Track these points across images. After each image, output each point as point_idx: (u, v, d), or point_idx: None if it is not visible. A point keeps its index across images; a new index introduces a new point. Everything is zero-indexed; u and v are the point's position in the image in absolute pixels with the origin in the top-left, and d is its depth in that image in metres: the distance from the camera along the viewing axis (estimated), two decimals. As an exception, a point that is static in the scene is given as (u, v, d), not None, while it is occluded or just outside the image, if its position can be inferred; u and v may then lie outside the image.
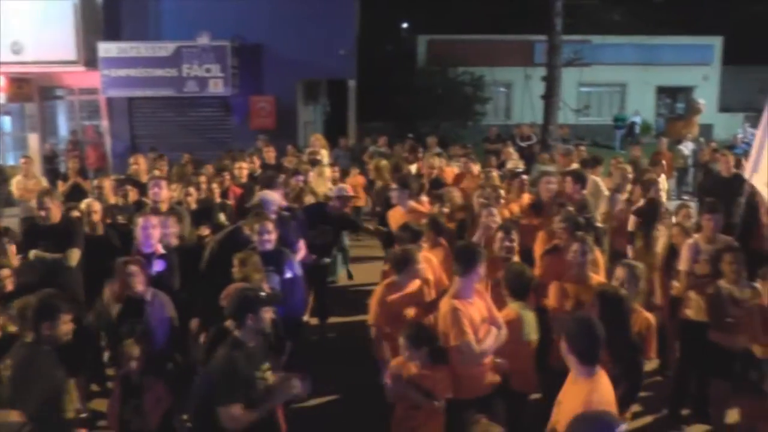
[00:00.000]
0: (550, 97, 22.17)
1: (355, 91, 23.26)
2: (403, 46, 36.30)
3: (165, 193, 9.03)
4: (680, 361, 7.35)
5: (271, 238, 6.87)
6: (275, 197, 8.14)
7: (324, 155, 13.61)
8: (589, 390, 4.08)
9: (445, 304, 5.44)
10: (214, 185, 10.28)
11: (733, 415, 6.39)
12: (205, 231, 8.81)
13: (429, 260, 6.86)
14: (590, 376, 4.13)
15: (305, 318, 8.76)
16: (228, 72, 19.88)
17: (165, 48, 19.86)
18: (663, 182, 11.24)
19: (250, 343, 4.82)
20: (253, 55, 20.66)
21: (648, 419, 7.26)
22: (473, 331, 5.27)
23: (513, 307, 5.74)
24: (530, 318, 5.77)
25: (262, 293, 5.03)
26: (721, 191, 9.93)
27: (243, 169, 11.41)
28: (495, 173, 11.03)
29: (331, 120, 27.92)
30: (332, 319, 9.76)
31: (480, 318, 5.37)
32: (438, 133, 25.77)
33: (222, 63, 19.80)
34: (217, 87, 19.94)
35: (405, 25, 40.52)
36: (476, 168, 12.08)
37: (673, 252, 7.74)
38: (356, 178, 13.69)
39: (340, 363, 8.21)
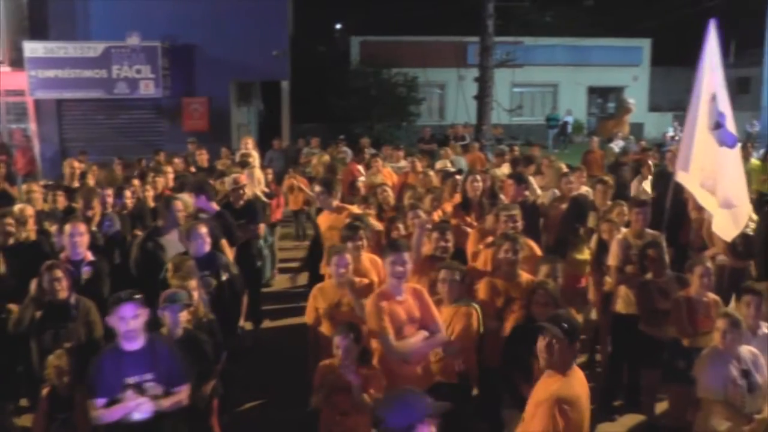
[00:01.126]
0: (483, 97, 22.42)
1: (289, 93, 23.15)
2: (337, 47, 36.32)
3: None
4: (612, 353, 7.51)
5: (205, 242, 6.76)
6: (182, 202, 8.04)
7: (255, 157, 13.47)
8: (560, 385, 4.12)
9: (369, 301, 5.47)
10: (148, 188, 10.08)
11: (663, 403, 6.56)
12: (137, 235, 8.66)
13: (375, 261, 6.86)
14: (564, 370, 4.16)
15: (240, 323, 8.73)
16: (159, 73, 19.53)
17: (94, 48, 19.41)
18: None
19: (126, 348, 4.74)
20: (185, 56, 20.32)
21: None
22: (395, 328, 5.25)
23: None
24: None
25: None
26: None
27: (169, 173, 11.12)
28: (432, 173, 11.11)
29: (266, 122, 27.75)
30: (265, 324, 9.69)
31: (407, 317, 5.34)
32: (372, 134, 25.85)
33: (153, 64, 19.44)
34: (148, 89, 19.58)
35: (338, 26, 40.51)
36: (420, 167, 12.18)
37: (603, 248, 7.85)
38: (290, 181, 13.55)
39: (275, 368, 8.15)
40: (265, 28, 20.15)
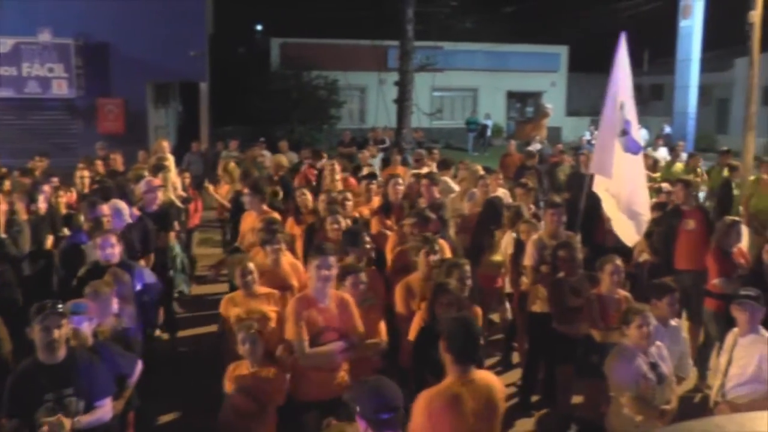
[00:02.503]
0: (403, 101, 22.51)
1: (208, 95, 22.80)
2: (257, 49, 36.00)
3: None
4: (529, 351, 7.67)
5: (115, 251, 6.59)
6: (125, 206, 7.93)
7: (170, 160, 13.18)
8: (445, 385, 4.14)
9: (289, 304, 5.46)
10: (60, 194, 9.79)
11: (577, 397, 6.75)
12: (48, 242, 8.44)
13: (295, 265, 6.82)
14: (464, 375, 4.15)
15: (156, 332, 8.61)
16: (72, 72, 18.83)
17: (3, 44, 18.52)
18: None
19: (46, 361, 4.56)
20: (99, 55, 19.54)
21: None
22: (313, 335, 5.24)
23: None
24: None
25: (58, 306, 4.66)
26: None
27: (85, 177, 10.77)
28: (339, 177, 11.20)
29: (185, 124, 27.32)
30: (182, 332, 9.52)
31: (326, 324, 5.31)
32: (293, 137, 25.71)
33: (65, 62, 18.71)
34: (61, 88, 18.87)
35: (259, 28, 40.19)
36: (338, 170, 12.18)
37: (521, 248, 7.99)
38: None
39: (192, 376, 8.04)
40: (182, 28, 19.63)
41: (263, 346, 5.37)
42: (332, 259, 5.38)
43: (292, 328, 5.24)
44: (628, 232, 8.44)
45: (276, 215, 8.08)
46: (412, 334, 5.79)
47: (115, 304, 5.60)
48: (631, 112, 8.39)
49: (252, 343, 5.27)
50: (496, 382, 4.29)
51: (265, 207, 8.36)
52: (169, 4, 19.44)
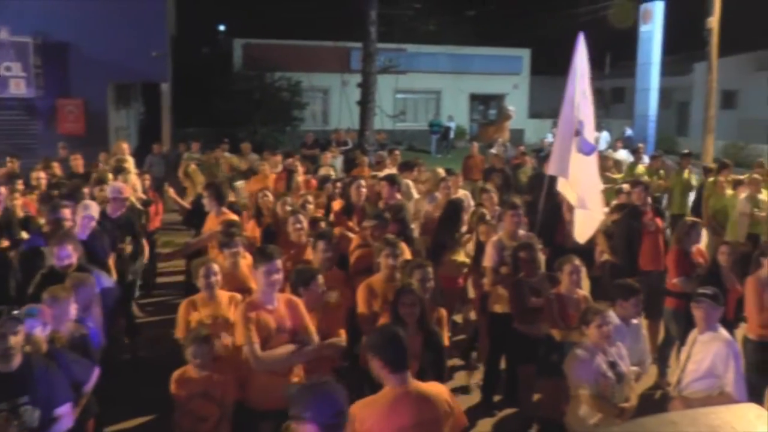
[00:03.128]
0: (366, 103, 22.55)
1: (170, 96, 22.61)
2: (220, 50, 35.76)
3: None
4: (490, 351, 7.71)
5: (72, 259, 6.45)
6: (95, 209, 7.82)
7: (131, 162, 13.01)
8: (379, 394, 4.11)
9: (238, 310, 5.36)
10: (17, 196, 9.61)
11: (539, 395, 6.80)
12: (4, 244, 8.29)
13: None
14: (402, 384, 4.10)
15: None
16: (31, 71, 18.52)
17: (-42, 41, 18.31)
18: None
19: (0, 369, 4.36)
20: (59, 54, 19.16)
21: (462, 407, 7.52)
22: (263, 337, 5.14)
23: None
24: None
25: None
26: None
27: (42, 179, 10.61)
28: (301, 179, 11.20)
29: (147, 126, 27.07)
30: (143, 335, 9.37)
31: (276, 326, 5.22)
32: (256, 138, 25.60)
33: (24, 61, 18.39)
34: (19, 88, 18.56)
35: (221, 28, 39.97)
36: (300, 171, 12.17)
37: (482, 249, 8.02)
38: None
39: (153, 380, 7.93)
40: (143, 28, 19.39)
41: (212, 350, 5.29)
42: (279, 263, 5.30)
43: (242, 332, 5.14)
44: (580, 230, 8.55)
45: (235, 217, 8.03)
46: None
47: (73, 310, 5.49)
48: (585, 113, 8.48)
49: (198, 346, 5.19)
50: (437, 392, 4.20)
51: (224, 209, 8.30)
52: (130, 4, 19.20)
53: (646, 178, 13.18)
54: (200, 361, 5.20)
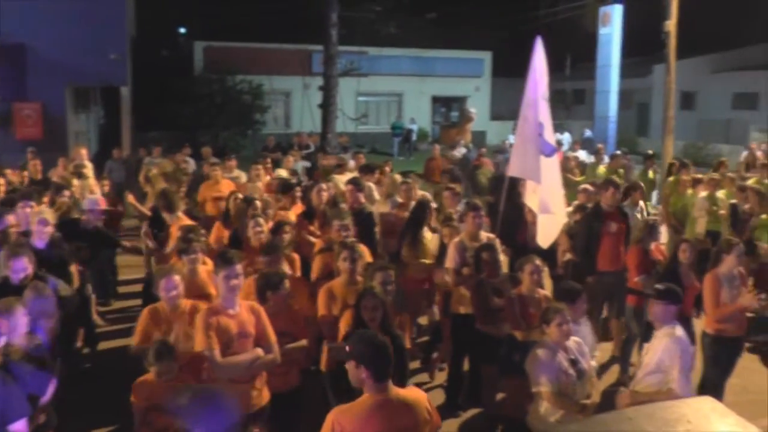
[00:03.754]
0: (327, 106, 22.52)
1: (130, 99, 22.37)
2: (180, 52, 35.41)
3: None
4: (453, 352, 7.73)
5: (28, 272, 6.33)
6: (49, 215, 7.69)
7: (89, 168, 12.83)
8: (357, 401, 4.04)
9: (199, 316, 5.28)
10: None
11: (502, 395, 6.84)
12: None
13: (212, 273, 6.68)
14: (384, 391, 4.03)
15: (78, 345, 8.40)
16: (-14, 75, 18.30)
17: None
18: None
19: None
20: (15, 57, 18.82)
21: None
22: (224, 342, 5.08)
23: None
24: None
25: None
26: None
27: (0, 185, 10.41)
28: (261, 184, 11.15)
29: (107, 130, 26.75)
30: (104, 344, 9.25)
31: (238, 331, 5.16)
32: (218, 142, 25.41)
33: (-22, 64, 18.17)
34: (-27, 92, 18.30)
35: (182, 30, 39.62)
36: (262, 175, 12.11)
37: (445, 251, 8.05)
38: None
39: (113, 391, 7.82)
40: (102, 30, 19.12)
41: (176, 363, 5.21)
42: (239, 268, 5.26)
43: (202, 338, 5.06)
44: (543, 235, 8.62)
45: (193, 223, 7.95)
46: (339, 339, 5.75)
47: (25, 321, 5.34)
48: (544, 115, 8.55)
49: (162, 363, 5.12)
50: (417, 399, 4.15)
51: (179, 215, 8.21)
52: (88, 5, 18.92)
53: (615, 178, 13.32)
54: (166, 377, 5.13)
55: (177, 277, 5.80)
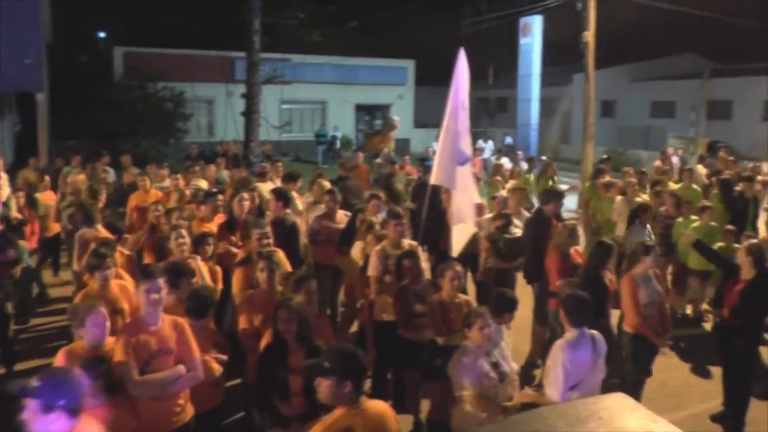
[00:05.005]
0: (250, 113, 22.28)
1: (47, 106, 21.79)
2: (99, 58, 34.56)
3: None
4: (377, 359, 7.76)
5: None
6: None
7: (4, 179, 12.40)
8: (337, 416, 3.93)
9: (118, 331, 5.15)
10: None
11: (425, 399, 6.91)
12: None
13: (124, 288, 6.53)
14: (356, 404, 3.92)
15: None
16: None
17: None
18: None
19: None
20: None
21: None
22: (144, 359, 4.95)
23: None
24: None
25: None
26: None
27: None
28: (188, 192, 11.03)
29: (22, 139, 25.94)
30: (21, 365, 8.84)
31: (158, 348, 5.03)
32: (139, 151, 24.94)
33: None
34: None
35: (101, 35, 38.80)
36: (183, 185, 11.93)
37: (368, 259, 8.09)
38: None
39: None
40: (15, 34, 18.38)
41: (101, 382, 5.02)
42: (161, 281, 5.14)
43: (120, 354, 4.90)
44: (456, 243, 8.78)
45: (108, 236, 7.80)
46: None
47: None
48: (462, 124, 8.72)
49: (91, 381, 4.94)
50: (388, 411, 4.14)
51: (98, 227, 8.05)
52: (0, 9, 18.27)
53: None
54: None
55: (103, 310, 5.20)
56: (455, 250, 8.87)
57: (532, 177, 15.57)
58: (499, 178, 14.54)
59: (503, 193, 11.09)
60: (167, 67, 29.94)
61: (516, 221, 9.44)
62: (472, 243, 9.36)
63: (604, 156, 16.84)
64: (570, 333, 5.57)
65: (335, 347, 4.25)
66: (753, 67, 36.45)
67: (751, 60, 37.42)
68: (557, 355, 5.45)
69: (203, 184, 12.60)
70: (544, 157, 17.07)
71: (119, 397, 4.85)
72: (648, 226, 10.32)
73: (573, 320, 5.57)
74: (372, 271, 7.63)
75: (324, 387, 3.91)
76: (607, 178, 13.01)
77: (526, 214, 10.11)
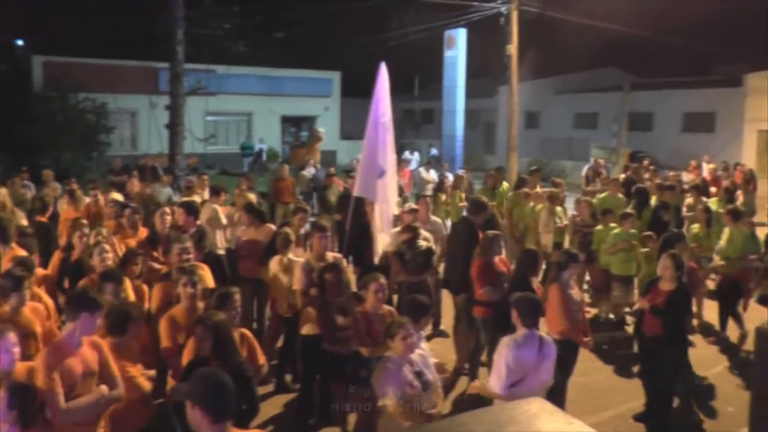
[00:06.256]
0: (174, 126, 21.97)
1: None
2: (17, 67, 33.48)
3: None
4: (304, 372, 7.76)
5: None
6: None
7: None
8: None
9: (39, 355, 4.98)
10: None
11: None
12: None
13: (37, 310, 6.22)
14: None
15: None
16: None
17: None
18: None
19: None
20: None
21: (279, 429, 7.52)
22: (69, 385, 4.80)
23: None
24: None
25: None
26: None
27: None
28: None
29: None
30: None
31: (83, 371, 4.92)
32: (61, 165, 24.35)
33: None
34: None
35: (19, 43, 37.65)
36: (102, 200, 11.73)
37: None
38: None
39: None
40: None
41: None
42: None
43: (44, 381, 4.72)
44: (379, 250, 8.88)
45: (24, 253, 7.58)
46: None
47: None
48: (381, 137, 8.85)
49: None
50: None
51: (13, 245, 7.83)
52: None
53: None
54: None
55: (13, 336, 4.93)
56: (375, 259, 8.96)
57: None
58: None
59: (412, 205, 11.15)
60: (89, 77, 29.11)
61: (425, 233, 9.44)
62: (386, 256, 9.43)
63: (534, 167, 17.20)
64: (520, 332, 5.83)
65: (199, 370, 4.14)
66: (672, 80, 37.83)
67: (671, 74, 38.82)
68: (503, 351, 5.70)
69: (119, 197, 12.33)
70: (460, 171, 17.24)
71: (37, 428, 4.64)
72: None
73: (524, 321, 5.89)
74: (297, 284, 7.66)
75: (188, 412, 3.80)
76: (526, 189, 13.28)
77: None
